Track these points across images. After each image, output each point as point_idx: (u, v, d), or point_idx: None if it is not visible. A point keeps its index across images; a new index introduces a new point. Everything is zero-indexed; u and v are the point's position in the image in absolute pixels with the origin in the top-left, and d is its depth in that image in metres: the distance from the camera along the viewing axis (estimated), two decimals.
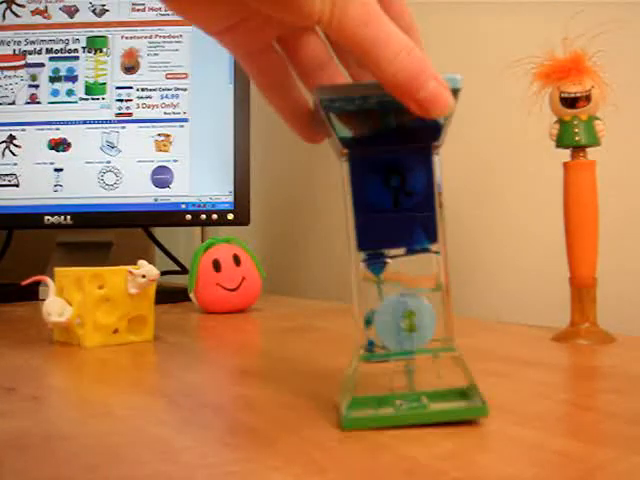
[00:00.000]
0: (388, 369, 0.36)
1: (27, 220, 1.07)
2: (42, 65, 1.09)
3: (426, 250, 0.36)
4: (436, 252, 0.36)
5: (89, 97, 1.09)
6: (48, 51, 1.10)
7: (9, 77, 1.09)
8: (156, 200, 1.07)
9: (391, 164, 0.35)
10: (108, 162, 1.07)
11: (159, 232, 1.29)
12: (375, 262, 0.36)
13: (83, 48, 1.10)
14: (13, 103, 1.09)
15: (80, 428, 0.36)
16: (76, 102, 1.09)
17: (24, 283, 0.67)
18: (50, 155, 1.08)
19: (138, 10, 1.10)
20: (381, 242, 0.36)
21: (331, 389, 0.42)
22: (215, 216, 1.07)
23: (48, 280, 0.64)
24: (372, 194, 0.35)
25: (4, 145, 1.08)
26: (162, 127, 1.08)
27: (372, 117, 0.34)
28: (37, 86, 1.09)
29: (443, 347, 0.36)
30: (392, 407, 0.35)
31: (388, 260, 0.36)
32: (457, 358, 0.36)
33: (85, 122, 1.08)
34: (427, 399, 0.35)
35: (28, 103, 1.09)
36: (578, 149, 0.61)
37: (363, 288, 0.36)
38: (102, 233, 1.13)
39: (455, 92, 0.33)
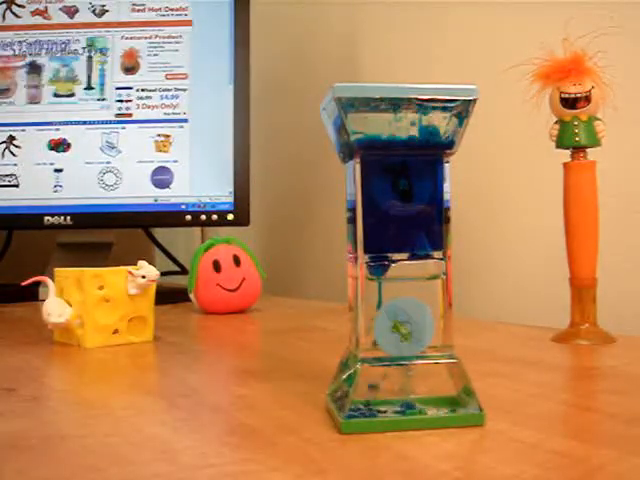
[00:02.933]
0: (386, 374, 0.36)
1: (27, 220, 1.07)
2: (42, 65, 1.10)
3: (429, 257, 0.36)
4: (440, 259, 0.36)
5: (89, 98, 1.09)
6: (48, 51, 1.10)
7: (9, 77, 1.09)
8: (156, 200, 1.07)
9: (401, 168, 0.35)
10: (108, 162, 1.07)
11: (159, 233, 1.29)
12: (378, 265, 0.36)
13: (83, 48, 1.10)
14: (13, 103, 1.09)
15: (80, 428, 0.36)
16: (76, 103, 1.09)
17: (24, 284, 0.67)
18: (50, 155, 1.08)
19: (138, 10, 1.10)
20: (386, 245, 0.36)
21: None
22: (215, 216, 1.07)
23: (48, 281, 0.64)
24: (380, 197, 0.35)
25: (4, 145, 1.08)
26: (162, 127, 1.08)
27: (387, 119, 0.34)
28: (37, 86, 1.09)
29: (442, 354, 0.36)
30: (390, 412, 0.35)
31: (391, 264, 0.36)
32: (456, 365, 0.36)
33: (85, 122, 1.08)
34: (425, 405, 0.35)
35: (28, 103, 1.09)
36: (578, 149, 0.61)
37: (367, 290, 0.35)
38: (102, 233, 1.13)
39: (472, 103, 0.34)
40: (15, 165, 1.08)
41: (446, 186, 0.36)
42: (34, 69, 1.10)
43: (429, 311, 0.35)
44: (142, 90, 1.08)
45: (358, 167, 0.35)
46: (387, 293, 0.36)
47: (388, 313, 0.35)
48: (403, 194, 0.35)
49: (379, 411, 0.35)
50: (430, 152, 0.35)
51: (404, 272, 0.36)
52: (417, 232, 0.36)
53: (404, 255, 0.36)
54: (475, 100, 0.34)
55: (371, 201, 0.35)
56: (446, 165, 0.36)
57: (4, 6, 1.10)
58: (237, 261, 0.87)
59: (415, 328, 0.35)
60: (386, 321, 0.35)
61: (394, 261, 0.36)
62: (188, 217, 1.07)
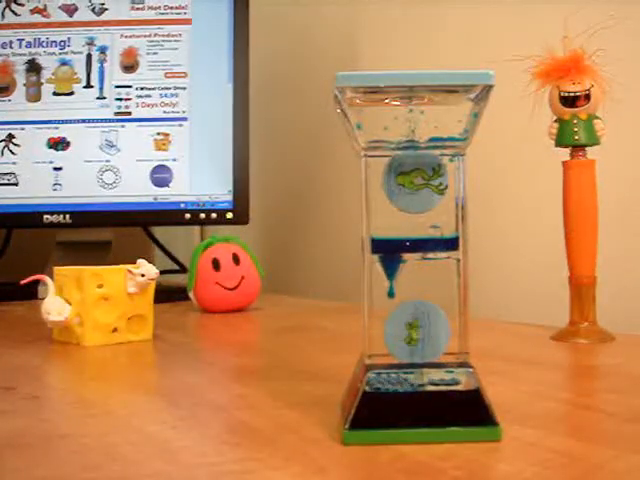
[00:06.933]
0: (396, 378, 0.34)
1: (26, 219, 1.07)
2: (41, 64, 1.09)
3: (442, 257, 0.34)
4: (456, 259, 0.34)
5: (88, 96, 1.08)
6: (47, 50, 1.09)
7: (8, 76, 1.09)
8: (155, 199, 1.07)
9: (412, 164, 0.34)
10: (107, 161, 1.07)
11: (158, 231, 1.29)
12: (390, 264, 0.34)
13: (82, 47, 1.09)
14: (12, 102, 1.09)
15: (79, 427, 0.36)
16: (75, 101, 1.08)
17: (23, 282, 0.67)
18: (49, 154, 1.08)
19: (137, 9, 1.09)
20: (396, 245, 0.34)
21: (331, 388, 0.41)
22: (214, 215, 1.06)
23: (47, 279, 0.64)
24: (391, 195, 0.34)
25: (3, 144, 1.08)
26: (161, 126, 1.08)
27: (396, 111, 0.33)
28: (36, 85, 1.09)
29: (457, 362, 0.34)
30: (397, 425, 0.32)
31: (403, 263, 0.34)
32: (471, 375, 0.33)
33: (84, 121, 1.08)
34: (435, 417, 0.32)
35: (27, 102, 1.09)
36: (578, 148, 0.61)
37: (375, 291, 0.34)
38: (101, 232, 1.12)
39: (488, 89, 0.32)
40: (14, 163, 1.08)
41: (462, 181, 0.34)
42: (33, 67, 1.09)
43: (444, 315, 0.34)
44: (141, 88, 1.08)
45: (364, 162, 0.34)
46: (399, 296, 0.34)
47: (400, 316, 0.34)
48: (416, 191, 0.34)
49: (386, 421, 0.32)
50: (443, 145, 0.34)
51: (416, 273, 0.34)
52: (430, 231, 0.34)
53: (417, 255, 0.34)
54: (492, 86, 0.32)
55: (382, 198, 0.34)
56: (461, 158, 0.34)
57: (3, 4, 1.10)
58: (236, 260, 0.87)
59: (428, 333, 0.34)
60: (397, 325, 0.34)
61: (405, 261, 0.34)
62: (187, 215, 1.07)
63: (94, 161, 1.07)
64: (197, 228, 1.42)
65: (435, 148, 0.34)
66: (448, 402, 0.33)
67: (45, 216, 1.06)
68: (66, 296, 0.62)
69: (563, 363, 0.54)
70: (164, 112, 1.08)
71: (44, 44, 1.10)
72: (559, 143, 0.62)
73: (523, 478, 0.28)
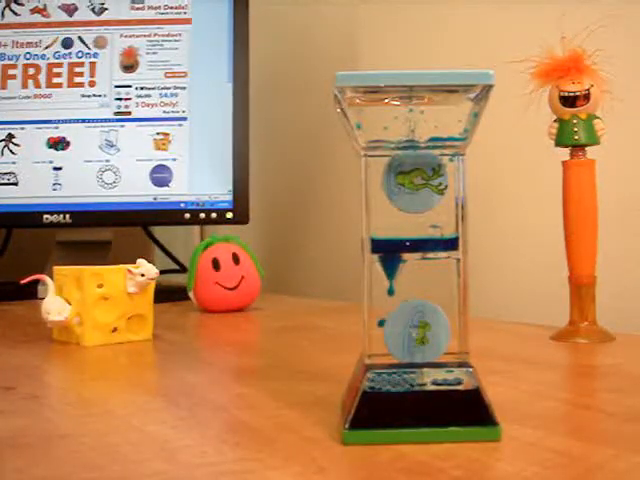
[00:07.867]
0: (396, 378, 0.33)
1: (26, 219, 1.07)
2: (41, 64, 1.09)
3: (442, 257, 0.34)
4: (456, 259, 0.34)
5: (88, 95, 1.08)
6: (47, 49, 1.09)
7: (8, 75, 1.09)
8: (155, 199, 1.07)
9: (412, 164, 0.34)
10: (107, 161, 1.07)
11: (158, 231, 1.29)
12: (390, 264, 0.34)
13: (82, 46, 1.09)
14: (12, 101, 1.09)
15: (79, 427, 0.36)
16: (75, 101, 1.08)
17: (23, 282, 0.67)
18: (49, 154, 1.08)
19: (137, 9, 1.09)
20: (397, 245, 0.34)
21: (331, 388, 0.42)
22: (214, 215, 1.06)
23: (47, 279, 0.64)
24: (391, 194, 0.33)
25: (3, 144, 1.08)
26: (161, 126, 1.08)
27: (396, 111, 0.33)
28: (36, 84, 1.09)
29: (458, 362, 0.34)
30: (397, 425, 0.32)
31: (403, 263, 0.34)
32: (471, 374, 0.33)
33: (84, 121, 1.08)
34: (435, 417, 0.32)
35: (27, 101, 1.09)
36: (577, 148, 0.61)
37: (375, 290, 0.34)
38: (101, 232, 1.12)
39: (488, 89, 0.32)
40: (14, 163, 1.08)
41: (462, 181, 0.34)
42: (33, 67, 1.09)
43: (444, 315, 0.34)
44: (141, 88, 1.08)
45: (364, 162, 0.34)
46: (399, 296, 0.34)
47: (401, 316, 0.34)
48: (416, 191, 0.34)
49: (385, 421, 0.32)
50: (443, 145, 0.34)
51: (416, 273, 0.34)
52: (430, 231, 0.34)
53: (417, 255, 0.34)
54: (492, 86, 0.32)
55: (382, 198, 0.33)
56: (461, 158, 0.34)
57: (3, 4, 1.10)
58: (236, 259, 0.87)
59: (430, 333, 0.34)
60: (398, 325, 0.34)
61: (405, 261, 0.34)
62: (187, 215, 1.07)
63: (94, 161, 1.07)
64: (197, 228, 1.42)
65: (435, 148, 0.34)
66: (448, 402, 0.33)
67: (45, 216, 1.06)
68: (66, 296, 0.62)
69: (563, 363, 0.54)
70: (164, 112, 1.08)
71: (44, 44, 1.10)
72: (559, 143, 0.62)
73: (523, 478, 0.28)
